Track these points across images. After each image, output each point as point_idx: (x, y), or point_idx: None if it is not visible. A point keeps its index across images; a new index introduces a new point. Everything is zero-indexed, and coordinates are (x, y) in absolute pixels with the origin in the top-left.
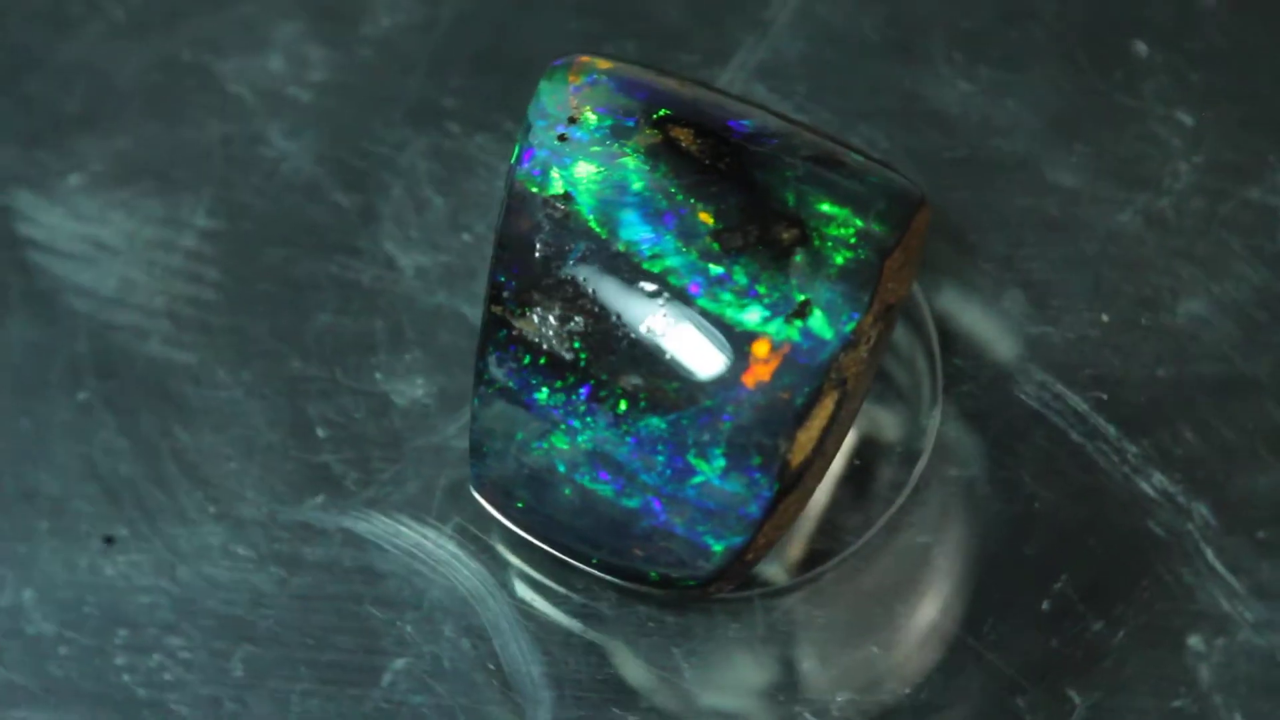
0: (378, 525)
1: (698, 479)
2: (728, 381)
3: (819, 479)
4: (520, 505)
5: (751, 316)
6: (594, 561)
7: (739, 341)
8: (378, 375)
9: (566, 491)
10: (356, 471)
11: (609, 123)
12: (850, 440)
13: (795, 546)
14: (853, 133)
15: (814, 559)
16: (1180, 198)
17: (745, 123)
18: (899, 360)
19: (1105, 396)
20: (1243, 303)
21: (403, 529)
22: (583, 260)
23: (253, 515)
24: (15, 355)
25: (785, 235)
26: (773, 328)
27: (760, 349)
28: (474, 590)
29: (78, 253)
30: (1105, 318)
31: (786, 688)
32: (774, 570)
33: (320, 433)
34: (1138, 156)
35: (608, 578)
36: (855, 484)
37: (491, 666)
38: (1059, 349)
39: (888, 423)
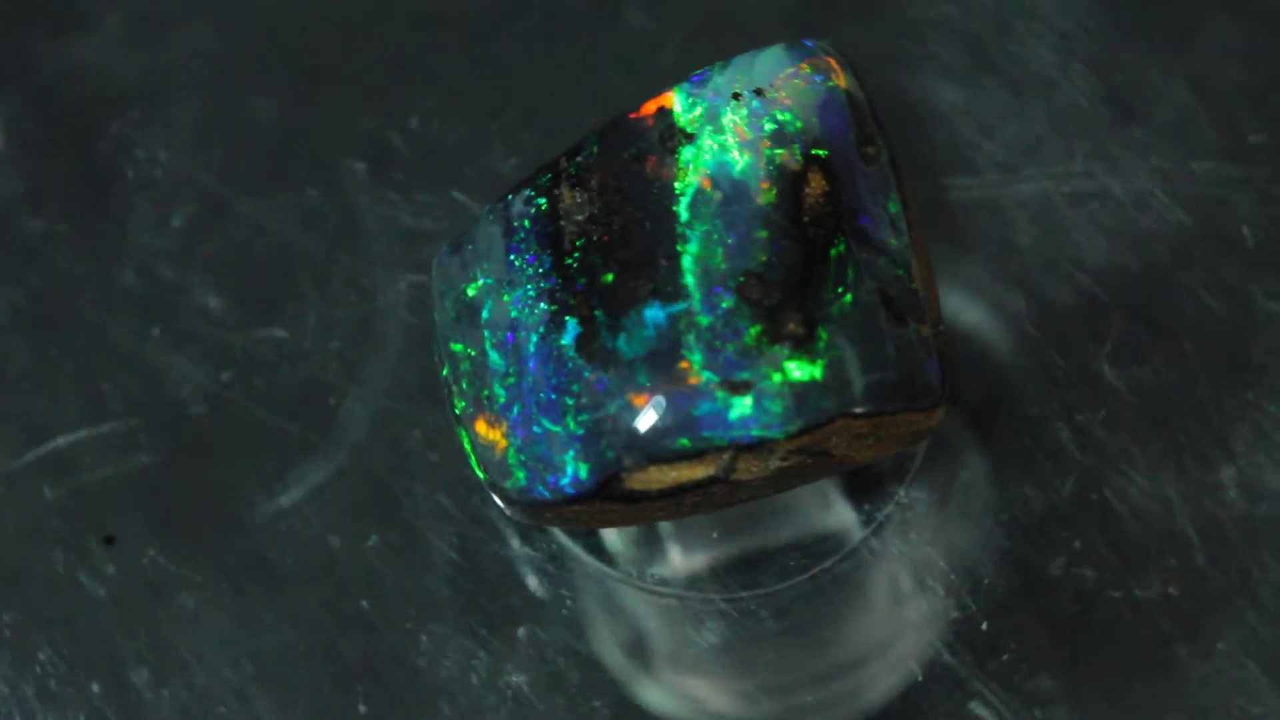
0: None
1: (554, 425)
2: (643, 377)
3: (665, 517)
4: (448, 316)
5: (700, 356)
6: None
7: (675, 361)
8: None
9: (481, 333)
10: None
11: (780, 125)
12: None
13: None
14: None
15: (806, 562)
16: None
17: (866, 219)
18: None
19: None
20: None
21: None
22: (649, 202)
23: None
24: None
25: (792, 327)
26: (704, 376)
27: (679, 378)
28: None
29: None
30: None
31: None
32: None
33: None
34: None
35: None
36: (852, 484)
37: None
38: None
39: None
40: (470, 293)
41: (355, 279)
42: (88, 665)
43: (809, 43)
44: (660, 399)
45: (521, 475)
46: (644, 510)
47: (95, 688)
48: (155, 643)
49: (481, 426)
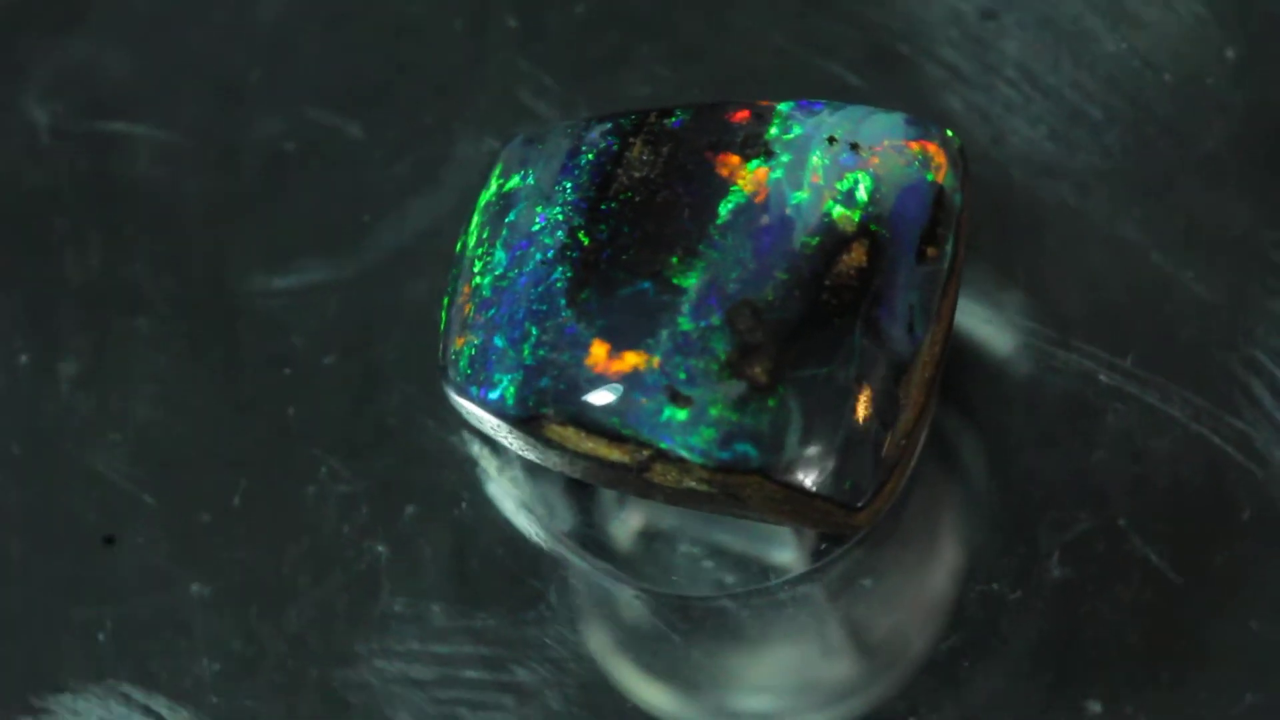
0: None
1: (510, 346)
2: (606, 344)
3: (587, 479)
4: (488, 197)
5: (662, 353)
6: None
7: (639, 345)
8: None
9: (501, 228)
10: None
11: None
12: None
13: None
14: None
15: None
16: None
17: (885, 311)
18: None
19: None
20: None
21: None
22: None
23: None
24: None
25: (758, 371)
26: (657, 372)
27: (634, 362)
28: None
29: None
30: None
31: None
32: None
33: None
34: None
35: None
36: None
37: None
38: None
39: None
40: (511, 186)
41: (450, 118)
42: None
43: (934, 126)
44: (635, 391)
45: (465, 369)
46: (563, 460)
47: None
48: None
49: (460, 312)
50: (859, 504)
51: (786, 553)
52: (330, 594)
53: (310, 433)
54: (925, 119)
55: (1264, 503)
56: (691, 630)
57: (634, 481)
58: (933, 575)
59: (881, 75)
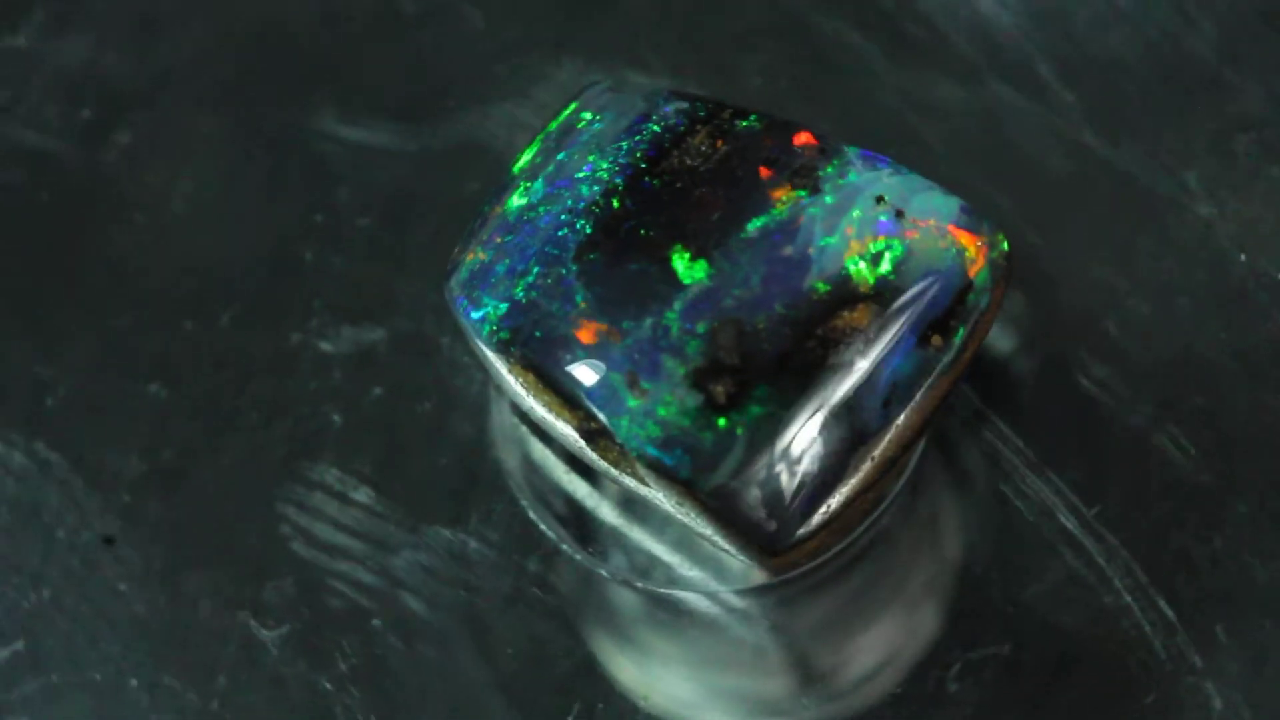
0: None
1: (510, 277)
2: (593, 312)
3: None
4: (554, 127)
5: (637, 338)
6: None
7: (619, 322)
8: None
9: (550, 163)
10: None
11: (883, 253)
12: None
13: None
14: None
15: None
16: None
17: (864, 381)
18: None
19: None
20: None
21: None
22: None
23: None
24: None
25: (720, 390)
26: (623, 355)
27: (610, 335)
28: None
29: None
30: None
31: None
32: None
33: None
34: None
35: None
36: None
37: None
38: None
39: None
40: (577, 126)
41: (567, 42)
42: None
43: (988, 224)
44: (600, 363)
45: (464, 280)
46: (524, 401)
47: None
48: None
49: (483, 224)
50: (774, 550)
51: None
52: (271, 439)
53: (315, 282)
54: (983, 215)
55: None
56: (624, 614)
57: (577, 446)
58: (889, 624)
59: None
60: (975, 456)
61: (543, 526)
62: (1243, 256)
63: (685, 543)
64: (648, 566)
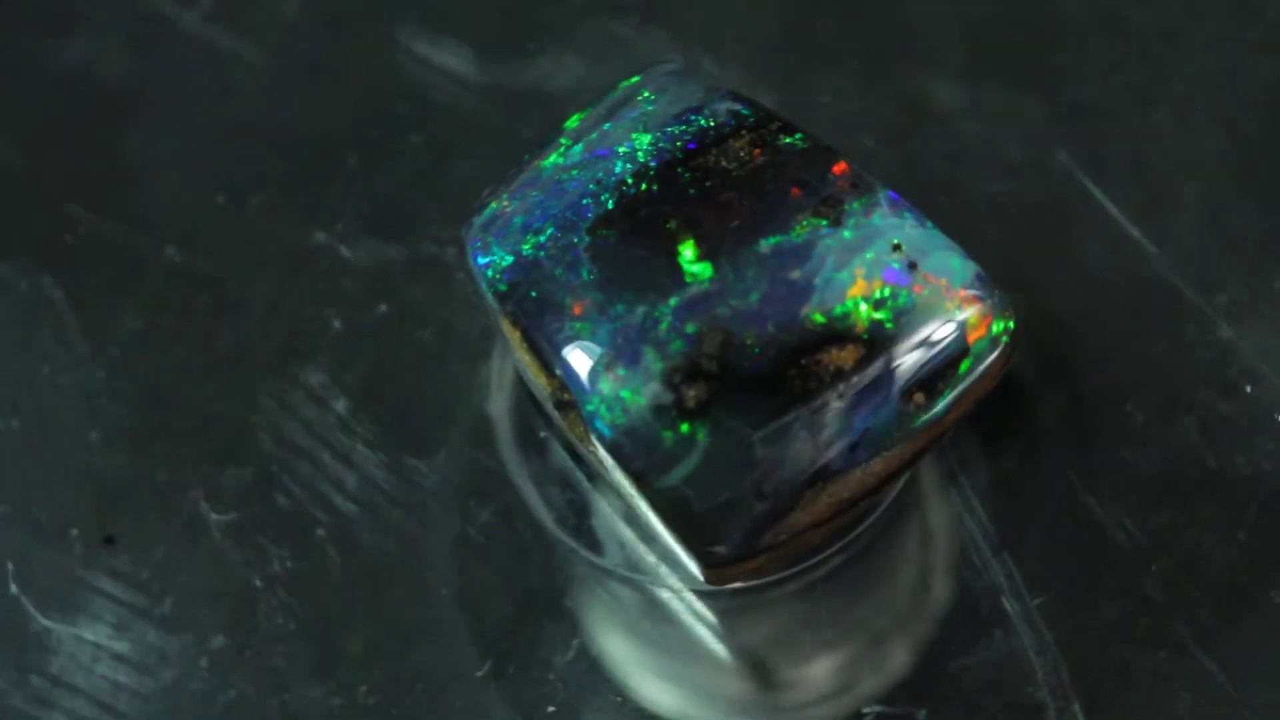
0: None
1: (526, 230)
2: (593, 287)
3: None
4: (611, 98)
5: (626, 322)
6: None
7: (612, 306)
8: None
9: (595, 131)
10: None
11: (888, 299)
12: None
13: None
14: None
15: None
16: None
17: (830, 424)
18: None
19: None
20: None
21: None
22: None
23: None
24: None
25: (694, 395)
26: (609, 335)
27: (598, 310)
28: None
29: None
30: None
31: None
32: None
33: None
34: None
35: None
36: None
37: None
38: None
39: None
40: (634, 99)
41: (655, 13)
42: None
43: (1000, 296)
44: (584, 339)
45: (481, 224)
46: (518, 354)
47: None
48: None
49: (517, 174)
50: (709, 563)
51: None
52: (270, 329)
53: (352, 187)
54: (998, 286)
55: None
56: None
57: (550, 413)
58: (817, 657)
59: None
60: (941, 517)
61: (516, 482)
62: (1249, 388)
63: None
64: (607, 541)
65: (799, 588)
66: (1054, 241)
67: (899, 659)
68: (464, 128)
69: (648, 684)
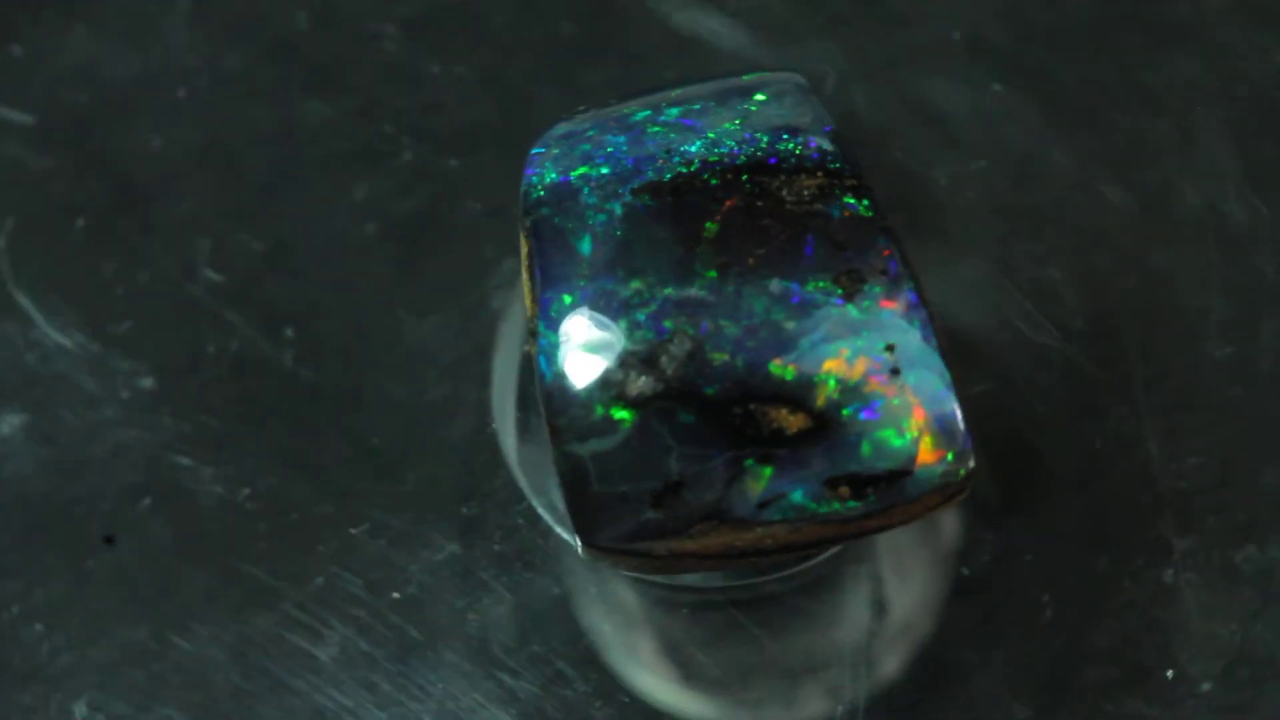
0: None
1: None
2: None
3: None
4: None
5: (618, 284)
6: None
7: (619, 266)
8: None
9: (646, 100)
10: None
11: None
12: None
13: None
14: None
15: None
16: None
17: (745, 492)
18: None
19: None
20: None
21: None
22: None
23: None
24: None
25: (638, 384)
26: (598, 295)
27: (600, 255)
28: None
29: None
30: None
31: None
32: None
33: None
34: None
35: None
36: None
37: None
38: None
39: None
40: (753, 94)
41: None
42: None
43: (962, 431)
44: (572, 281)
45: (558, 134)
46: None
47: None
48: None
49: (618, 106)
50: (584, 542)
51: None
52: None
53: (429, 90)
54: (964, 422)
55: None
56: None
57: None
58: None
59: None
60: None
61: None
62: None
63: None
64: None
65: (749, 597)
66: (1054, 242)
67: (812, 703)
68: (507, 84)
69: (648, 682)
